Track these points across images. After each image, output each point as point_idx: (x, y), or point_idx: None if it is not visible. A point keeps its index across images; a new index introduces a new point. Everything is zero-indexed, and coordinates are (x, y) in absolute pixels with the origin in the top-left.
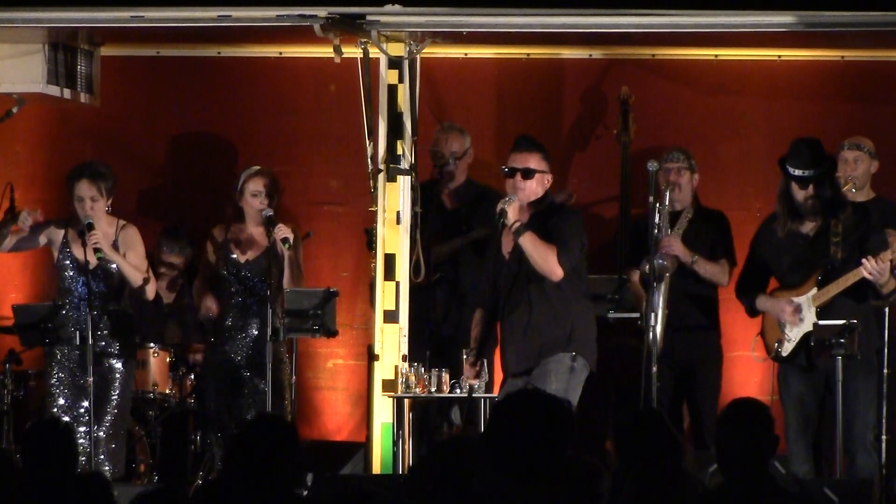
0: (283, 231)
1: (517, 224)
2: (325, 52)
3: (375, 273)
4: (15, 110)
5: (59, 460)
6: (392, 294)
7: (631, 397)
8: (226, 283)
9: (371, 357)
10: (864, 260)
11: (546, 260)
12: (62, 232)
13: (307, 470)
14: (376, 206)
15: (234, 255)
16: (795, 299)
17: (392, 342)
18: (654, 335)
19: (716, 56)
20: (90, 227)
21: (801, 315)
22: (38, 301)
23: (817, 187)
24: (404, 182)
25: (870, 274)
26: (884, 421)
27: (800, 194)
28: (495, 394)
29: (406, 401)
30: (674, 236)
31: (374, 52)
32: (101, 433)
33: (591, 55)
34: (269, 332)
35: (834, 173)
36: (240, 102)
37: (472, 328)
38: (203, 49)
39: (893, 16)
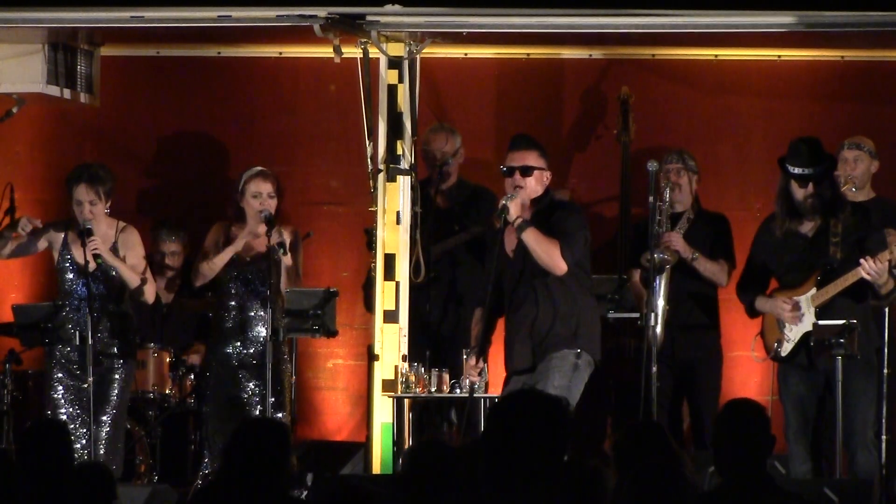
0: (275, 236)
1: (519, 220)
2: (324, 52)
3: (367, 274)
4: (15, 110)
5: (55, 458)
6: (392, 294)
7: (631, 397)
8: (226, 284)
9: (371, 357)
10: (862, 260)
11: (549, 254)
12: (62, 234)
13: (305, 470)
14: (376, 206)
15: (235, 256)
16: (794, 298)
17: (392, 342)
18: (655, 335)
19: (716, 56)
20: (89, 232)
21: (801, 312)
22: (38, 301)
23: (817, 186)
24: (404, 182)
25: (868, 274)
26: (884, 420)
27: (799, 193)
28: (493, 394)
29: (406, 401)
30: (675, 232)
31: (373, 52)
32: (102, 433)
33: (591, 55)
34: (269, 332)
35: (833, 172)
36: (240, 102)
37: (472, 326)
38: (203, 49)
39: (893, 16)
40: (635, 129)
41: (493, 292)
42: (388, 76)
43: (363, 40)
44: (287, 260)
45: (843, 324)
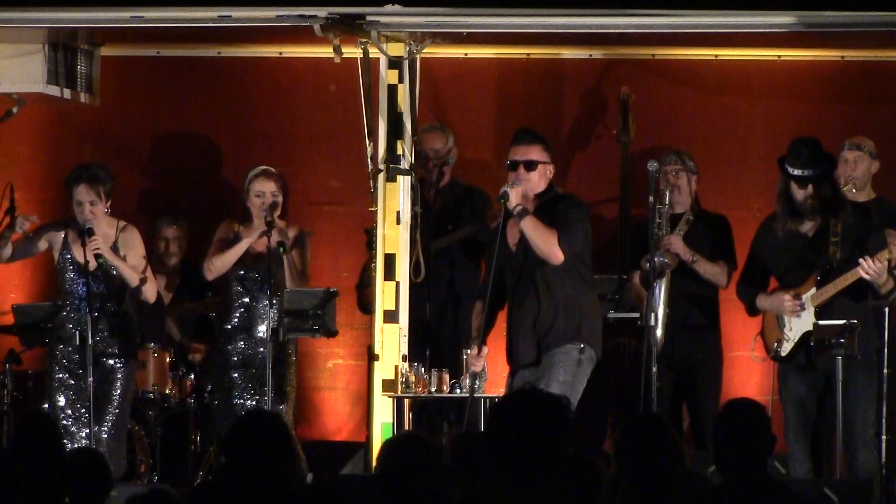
0: (275, 236)
1: (519, 207)
2: (324, 52)
3: (361, 275)
4: (15, 110)
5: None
6: (392, 294)
7: (630, 398)
8: (230, 284)
9: (371, 357)
10: (861, 260)
11: (546, 242)
12: (62, 234)
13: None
14: (376, 206)
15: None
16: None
17: (392, 342)
18: (654, 335)
19: (716, 56)
20: (90, 232)
21: (801, 302)
22: (38, 301)
23: (816, 187)
24: (404, 182)
25: (867, 274)
26: (884, 420)
27: (799, 194)
28: (493, 394)
29: (406, 401)
30: (675, 235)
31: (373, 52)
32: (103, 434)
33: (590, 55)
34: (269, 332)
35: (833, 173)
36: (240, 102)
37: (472, 319)
38: (203, 49)
39: (893, 16)
40: (635, 129)
41: (494, 285)
42: (389, 76)
43: (363, 40)
44: (294, 258)
45: (844, 324)
